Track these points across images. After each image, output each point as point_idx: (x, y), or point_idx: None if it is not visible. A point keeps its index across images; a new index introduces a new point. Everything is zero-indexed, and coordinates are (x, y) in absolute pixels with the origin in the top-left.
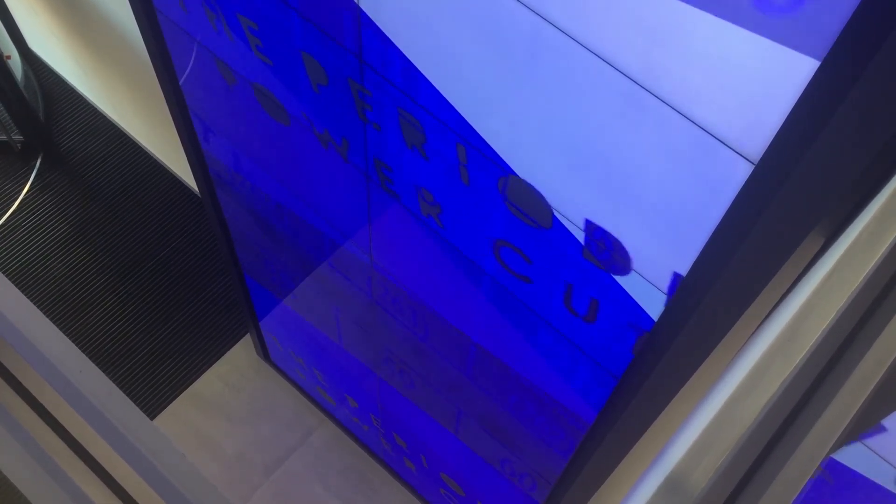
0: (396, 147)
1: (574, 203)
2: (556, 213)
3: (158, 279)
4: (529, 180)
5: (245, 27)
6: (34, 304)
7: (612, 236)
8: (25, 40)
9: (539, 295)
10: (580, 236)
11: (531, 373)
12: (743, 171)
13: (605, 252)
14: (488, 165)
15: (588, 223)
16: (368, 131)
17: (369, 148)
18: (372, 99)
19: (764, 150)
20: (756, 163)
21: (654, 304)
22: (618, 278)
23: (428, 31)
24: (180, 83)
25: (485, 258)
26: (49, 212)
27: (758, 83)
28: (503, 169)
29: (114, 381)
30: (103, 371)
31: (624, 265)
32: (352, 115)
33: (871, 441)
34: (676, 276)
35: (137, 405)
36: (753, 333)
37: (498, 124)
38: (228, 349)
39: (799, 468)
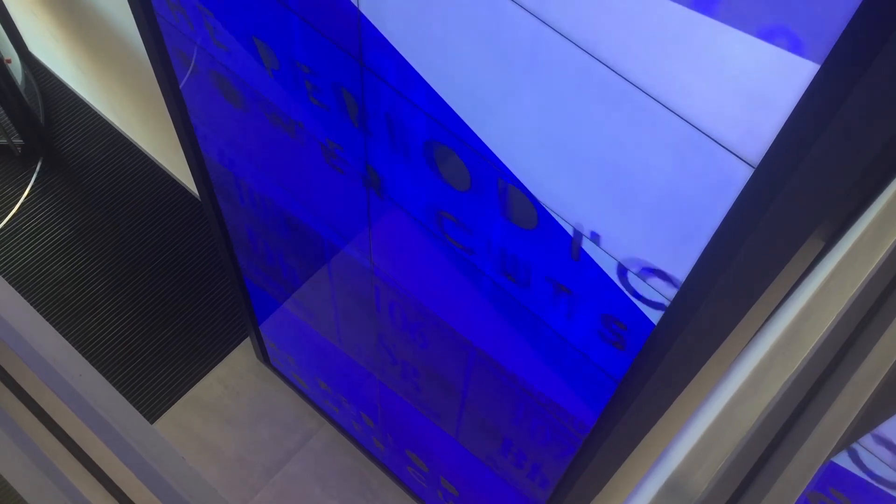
0: (342, 122)
1: (571, 207)
2: (552, 215)
3: (158, 283)
4: (527, 184)
5: (205, 19)
6: (34, 307)
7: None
8: (26, 44)
9: (536, 297)
10: (576, 238)
11: (531, 376)
12: (743, 175)
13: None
14: (486, 166)
15: (584, 226)
16: (364, 136)
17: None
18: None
19: (764, 154)
20: (756, 166)
21: (654, 308)
22: (617, 282)
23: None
24: (180, 87)
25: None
26: (49, 215)
27: (758, 87)
28: (500, 170)
29: (113, 385)
30: (103, 374)
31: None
32: (347, 123)
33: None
34: (677, 280)
35: (137, 409)
36: (754, 337)
37: (496, 129)
38: (228, 353)
39: (800, 471)
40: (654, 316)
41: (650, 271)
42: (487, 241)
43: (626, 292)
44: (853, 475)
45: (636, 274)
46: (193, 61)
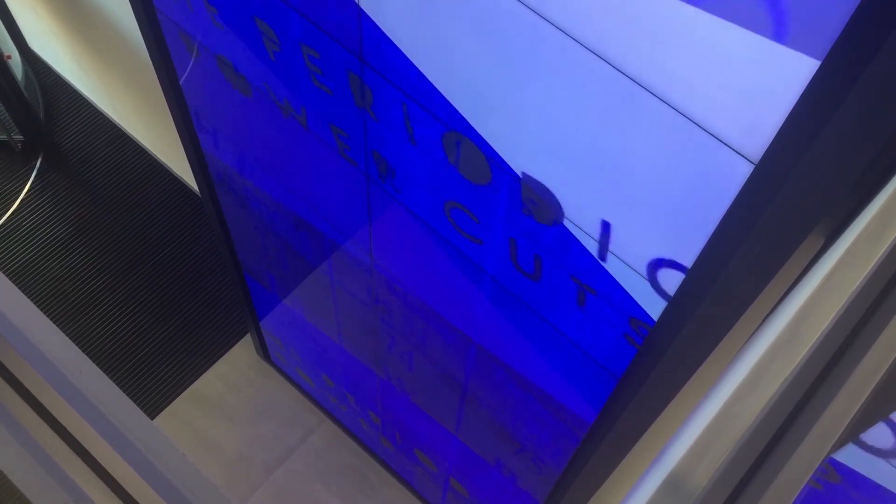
0: (347, 108)
1: (577, 205)
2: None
3: (159, 279)
4: (538, 178)
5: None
6: (34, 303)
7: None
8: (26, 40)
9: (538, 292)
10: (582, 236)
11: (531, 372)
12: (743, 171)
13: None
14: (491, 163)
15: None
16: (367, 118)
17: (368, 137)
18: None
19: (764, 150)
20: (756, 163)
21: (654, 304)
22: (618, 279)
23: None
24: (180, 82)
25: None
26: (49, 211)
27: (758, 83)
28: (503, 168)
29: (114, 381)
30: (103, 371)
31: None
32: (352, 108)
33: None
34: (677, 276)
35: (138, 405)
36: (754, 333)
37: (496, 123)
38: (229, 349)
39: (800, 468)
40: (655, 312)
41: (662, 264)
42: (501, 234)
43: (628, 290)
44: (853, 471)
45: (634, 270)
46: (194, 50)
